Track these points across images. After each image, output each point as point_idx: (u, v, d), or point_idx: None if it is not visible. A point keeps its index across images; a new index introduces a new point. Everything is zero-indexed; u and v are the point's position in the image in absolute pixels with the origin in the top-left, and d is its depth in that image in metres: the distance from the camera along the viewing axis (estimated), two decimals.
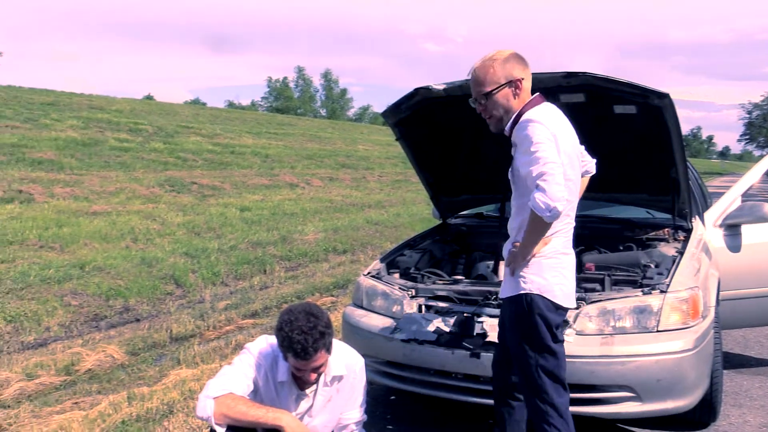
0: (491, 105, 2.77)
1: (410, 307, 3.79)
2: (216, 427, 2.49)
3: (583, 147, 3.04)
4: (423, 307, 3.78)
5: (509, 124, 2.77)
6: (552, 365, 2.77)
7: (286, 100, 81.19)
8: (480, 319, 3.53)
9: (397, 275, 4.25)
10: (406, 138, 4.44)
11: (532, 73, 2.87)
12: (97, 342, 5.98)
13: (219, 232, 11.02)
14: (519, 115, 2.72)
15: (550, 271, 2.74)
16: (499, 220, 5.21)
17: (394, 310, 3.85)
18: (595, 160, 3.20)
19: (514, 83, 2.73)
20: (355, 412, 2.86)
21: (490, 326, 3.48)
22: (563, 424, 2.79)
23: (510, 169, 2.85)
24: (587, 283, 3.83)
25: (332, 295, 8.03)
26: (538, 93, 2.82)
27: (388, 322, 3.80)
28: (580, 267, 4.19)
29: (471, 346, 3.44)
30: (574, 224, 2.88)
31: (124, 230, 10.18)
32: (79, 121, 21.06)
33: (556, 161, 2.53)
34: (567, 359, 2.86)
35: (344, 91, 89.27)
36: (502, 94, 2.74)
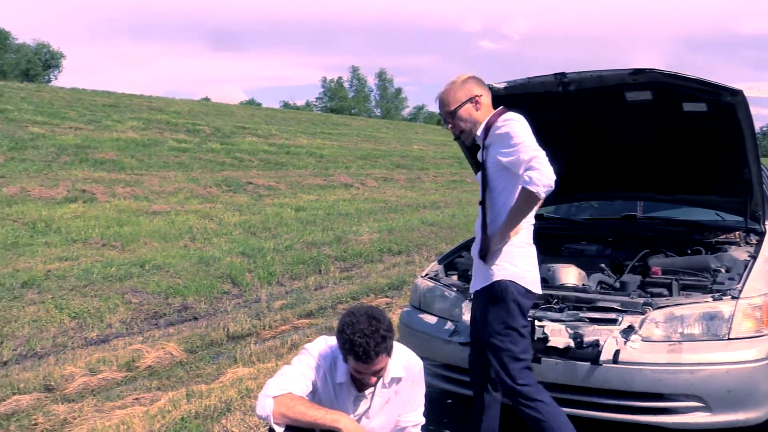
0: (458, 120, 3.18)
1: (469, 309, 3.75)
2: (275, 426, 2.50)
3: None
4: None
5: (480, 131, 3.15)
6: (521, 348, 3.04)
7: (340, 100, 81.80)
8: (541, 323, 3.47)
9: (455, 277, 4.22)
10: None
11: (596, 71, 3.27)
12: (156, 339, 6.12)
13: (274, 232, 11.16)
14: (490, 122, 3.11)
15: (520, 259, 3.08)
16: (560, 222, 5.13)
17: (452, 312, 3.83)
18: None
19: (473, 99, 3.15)
20: (413, 414, 2.84)
21: (551, 330, 3.42)
22: (539, 404, 3.01)
23: (480, 170, 3.18)
24: (654, 288, 3.72)
25: (387, 296, 8.03)
26: (501, 106, 3.20)
27: (446, 324, 3.78)
28: (645, 271, 4.09)
29: (531, 351, 3.38)
30: (533, 222, 3.22)
31: (182, 229, 10.42)
32: (139, 122, 21.67)
33: (539, 148, 2.91)
34: (633, 366, 2.81)
35: (399, 91, 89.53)
36: (465, 109, 3.15)
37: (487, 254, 3.08)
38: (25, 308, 6.30)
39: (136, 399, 4.69)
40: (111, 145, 17.16)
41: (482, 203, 3.18)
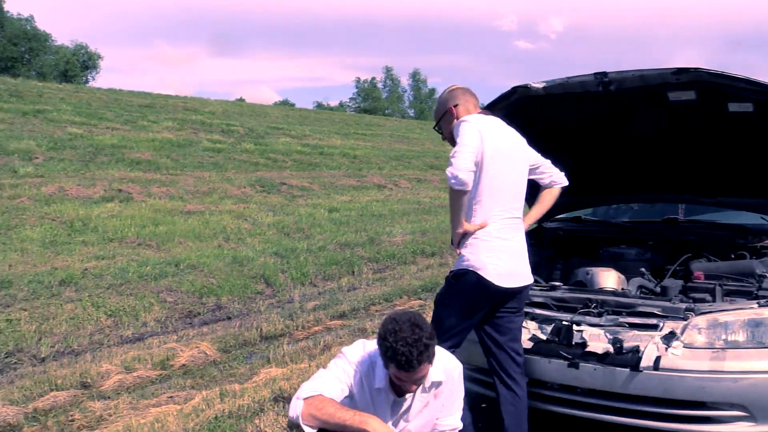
0: (443, 130, 3.52)
1: None
2: (305, 427, 2.51)
3: (549, 161, 3.55)
4: None
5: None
6: (450, 326, 3.24)
7: (374, 100, 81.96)
8: (579, 328, 3.42)
9: None
10: None
11: (637, 70, 3.39)
12: (190, 338, 6.19)
13: (308, 233, 11.22)
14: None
15: (485, 251, 3.19)
16: (599, 225, 5.06)
17: None
18: (563, 173, 3.58)
19: (449, 110, 3.44)
20: (451, 418, 2.83)
21: (589, 335, 3.37)
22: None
23: None
24: (696, 293, 3.65)
25: (420, 299, 8.01)
26: (481, 110, 3.48)
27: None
28: (687, 275, 4.01)
29: (569, 356, 3.34)
30: (514, 216, 3.30)
31: (216, 229, 10.53)
32: (174, 122, 21.97)
33: (469, 144, 3.09)
34: (674, 373, 2.75)
35: (432, 91, 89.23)
36: (445, 119, 3.48)
37: (457, 245, 3.30)
38: (63, 306, 6.42)
39: (171, 397, 4.75)
40: (147, 145, 17.43)
41: None
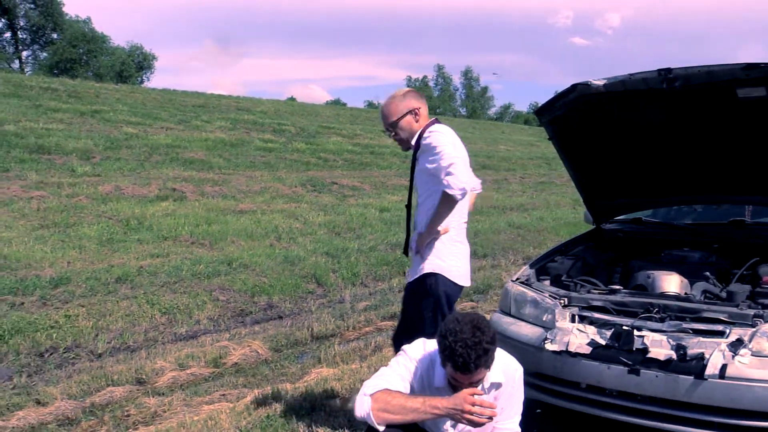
0: (399, 130, 3.60)
1: (562, 316, 3.66)
2: (375, 425, 2.51)
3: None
4: (576, 317, 3.64)
5: (415, 140, 3.56)
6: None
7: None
8: (640, 333, 3.34)
9: (547, 282, 4.13)
10: (560, 137, 4.30)
11: (704, 66, 3.39)
12: (242, 337, 6.27)
13: (359, 233, 11.26)
14: (421, 132, 3.52)
15: (448, 255, 3.52)
16: (660, 227, 4.93)
17: (544, 319, 3.74)
18: (480, 180, 3.97)
19: (413, 111, 3.57)
20: (509, 422, 2.78)
21: (651, 341, 3.29)
22: None
23: (414, 175, 3.63)
24: (765, 299, 3.52)
25: (472, 300, 7.97)
26: (434, 117, 3.66)
27: (537, 331, 3.69)
28: (756, 280, 3.87)
29: (629, 362, 3.26)
30: (465, 221, 3.66)
31: (268, 228, 10.66)
32: (227, 122, 22.33)
33: (458, 156, 3.32)
34: (742, 382, 2.66)
35: (485, 89, 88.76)
36: (406, 120, 3.58)
37: (420, 245, 3.53)
38: (119, 303, 6.59)
39: (223, 395, 4.82)
40: (200, 144, 17.76)
41: (408, 206, 3.79)
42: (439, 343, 2.49)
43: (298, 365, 5.53)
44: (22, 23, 52.28)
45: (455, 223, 3.54)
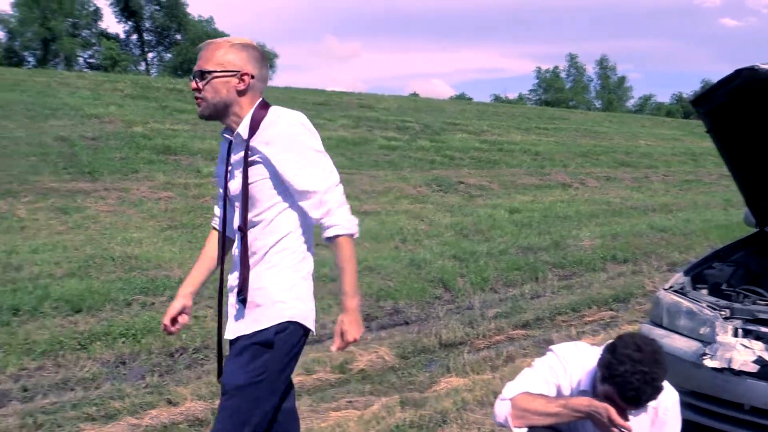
0: (209, 87, 2.56)
1: (723, 330, 3.46)
2: (514, 429, 2.47)
3: None
4: (740, 331, 3.43)
5: (244, 126, 2.56)
6: (273, 404, 2.61)
7: (556, 91, 80.00)
8: None
9: (705, 291, 3.92)
10: (719, 129, 4.06)
11: None
12: (368, 342, 6.36)
13: (487, 235, 11.17)
14: (258, 117, 2.56)
15: (309, 294, 2.69)
16: None
17: (702, 332, 3.55)
18: None
19: (242, 75, 2.56)
20: None
21: None
22: None
23: (242, 182, 2.57)
24: None
25: (611, 310, 7.75)
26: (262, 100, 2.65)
27: (694, 345, 3.52)
28: None
29: None
30: None
31: (392, 230, 10.78)
32: (349, 120, 22.78)
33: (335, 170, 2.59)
34: None
35: (622, 80, 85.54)
36: (224, 81, 2.55)
37: (245, 290, 2.58)
38: None
39: (350, 402, 4.91)
40: (324, 144, 18.19)
41: (242, 228, 2.60)
42: (608, 363, 2.39)
43: (426, 373, 5.55)
44: (147, 25, 55.82)
45: (310, 252, 2.74)
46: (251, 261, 2.58)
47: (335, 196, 2.55)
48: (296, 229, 2.61)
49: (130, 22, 55.49)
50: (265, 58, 2.66)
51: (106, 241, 8.94)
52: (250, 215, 2.56)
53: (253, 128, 2.53)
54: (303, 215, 2.60)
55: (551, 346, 2.71)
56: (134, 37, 57.08)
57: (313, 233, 2.71)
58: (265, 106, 2.60)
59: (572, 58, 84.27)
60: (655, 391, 2.35)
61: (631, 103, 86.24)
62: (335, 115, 23.47)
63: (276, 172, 2.53)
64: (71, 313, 6.44)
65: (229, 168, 2.65)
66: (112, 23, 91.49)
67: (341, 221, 2.55)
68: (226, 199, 2.72)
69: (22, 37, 49.46)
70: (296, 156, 2.51)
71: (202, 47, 2.60)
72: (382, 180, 15.32)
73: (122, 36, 55.87)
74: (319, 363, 5.66)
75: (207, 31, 54.99)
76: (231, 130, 2.62)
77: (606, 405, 2.38)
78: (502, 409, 2.49)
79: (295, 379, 5.25)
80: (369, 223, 11.08)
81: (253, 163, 2.53)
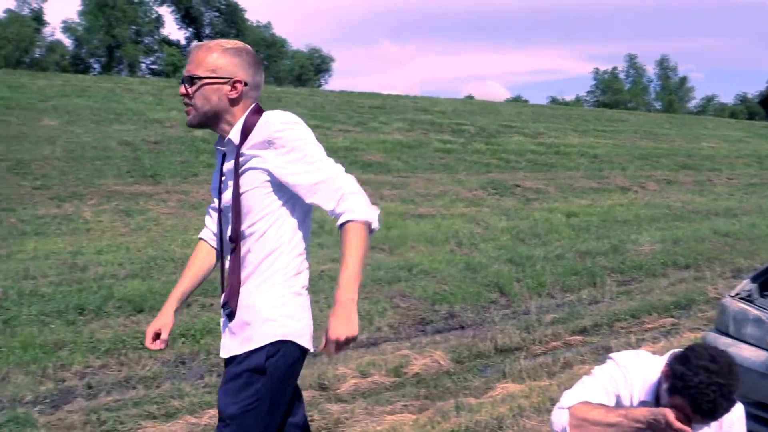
0: (198, 93, 2.43)
1: None
2: None
3: None
4: None
5: (236, 133, 2.42)
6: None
7: (614, 93, 78.53)
8: None
9: None
10: None
11: None
12: (423, 346, 6.37)
13: (544, 239, 11.05)
14: (251, 123, 2.42)
15: (303, 311, 2.48)
16: None
17: None
18: None
19: (234, 83, 2.42)
20: None
21: None
22: None
23: (232, 191, 2.44)
24: None
25: (672, 317, 7.58)
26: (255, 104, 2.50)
27: (762, 354, 3.43)
28: None
29: None
30: None
31: (448, 234, 10.77)
32: (404, 123, 22.83)
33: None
34: None
35: (683, 80, 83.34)
36: (215, 88, 2.42)
37: (234, 301, 2.45)
38: None
39: (405, 406, 4.92)
40: (377, 147, 18.32)
41: (234, 239, 2.45)
42: (680, 375, 2.31)
43: (481, 379, 5.53)
44: (207, 31, 56.88)
45: (306, 265, 2.59)
46: (243, 274, 2.45)
47: (348, 182, 2.39)
48: (289, 241, 2.46)
49: (190, 29, 56.69)
50: (260, 64, 2.53)
51: (167, 243, 9.16)
52: (242, 226, 2.43)
53: (245, 134, 2.39)
54: (298, 226, 2.50)
55: (611, 354, 2.65)
56: (195, 43, 58.32)
57: (310, 248, 2.63)
58: (258, 111, 2.45)
59: (631, 59, 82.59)
60: (731, 404, 2.27)
61: (692, 104, 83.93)
62: (391, 118, 23.55)
63: (271, 178, 2.39)
64: (134, 313, 6.63)
65: (223, 178, 2.51)
66: (173, 30, 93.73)
67: (354, 206, 2.34)
68: (220, 213, 2.58)
69: (89, 44, 51.03)
70: (298, 152, 2.37)
71: (193, 49, 2.46)
72: (438, 183, 15.31)
73: (183, 42, 57.08)
74: (374, 366, 5.68)
75: (264, 37, 55.84)
76: (223, 138, 2.50)
77: (665, 409, 2.31)
78: (560, 418, 2.46)
79: (350, 381, 5.34)
80: (424, 227, 11.10)
81: (246, 170, 2.40)
